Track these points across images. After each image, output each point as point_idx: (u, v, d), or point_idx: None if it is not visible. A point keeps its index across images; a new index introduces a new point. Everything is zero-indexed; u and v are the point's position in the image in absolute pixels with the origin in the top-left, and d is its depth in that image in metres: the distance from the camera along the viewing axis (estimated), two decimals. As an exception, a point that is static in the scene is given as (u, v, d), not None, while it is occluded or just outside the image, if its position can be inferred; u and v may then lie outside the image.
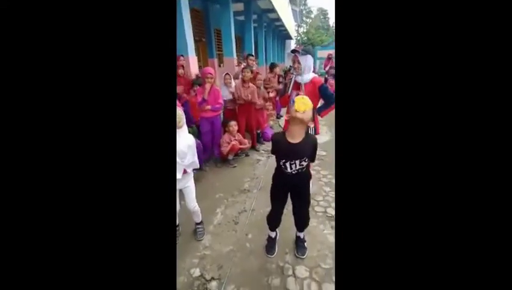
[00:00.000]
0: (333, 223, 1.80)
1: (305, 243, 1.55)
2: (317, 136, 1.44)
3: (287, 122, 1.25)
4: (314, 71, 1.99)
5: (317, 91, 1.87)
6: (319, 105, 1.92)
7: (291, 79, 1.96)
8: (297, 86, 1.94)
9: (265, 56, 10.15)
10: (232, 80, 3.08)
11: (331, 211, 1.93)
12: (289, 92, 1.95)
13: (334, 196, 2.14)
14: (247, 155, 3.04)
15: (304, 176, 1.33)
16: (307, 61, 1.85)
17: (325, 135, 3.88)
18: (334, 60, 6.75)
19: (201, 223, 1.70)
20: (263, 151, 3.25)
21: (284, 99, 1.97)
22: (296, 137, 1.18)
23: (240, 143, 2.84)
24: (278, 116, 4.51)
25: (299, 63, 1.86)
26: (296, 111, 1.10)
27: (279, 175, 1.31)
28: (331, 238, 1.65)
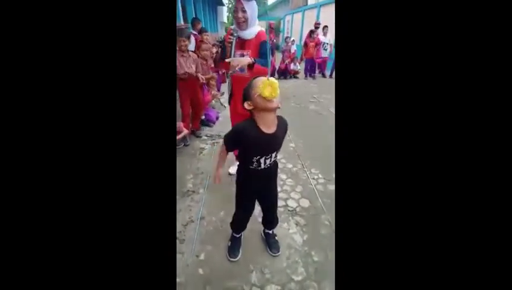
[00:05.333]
0: (297, 218, 1.59)
1: (276, 237, 1.37)
2: None
3: (252, 112, 0.95)
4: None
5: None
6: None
7: (232, 35, 1.53)
8: (241, 44, 1.55)
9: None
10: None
11: (293, 203, 1.71)
12: (232, 53, 1.54)
13: (292, 183, 1.93)
14: (186, 145, 2.52)
15: (275, 167, 1.15)
16: (253, 9, 1.45)
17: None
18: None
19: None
20: (206, 137, 2.77)
21: (225, 64, 1.55)
22: (271, 125, 0.95)
23: (177, 130, 2.29)
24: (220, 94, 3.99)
25: (243, 11, 1.43)
26: (270, 98, 0.86)
27: (249, 176, 1.07)
28: (298, 238, 1.43)
